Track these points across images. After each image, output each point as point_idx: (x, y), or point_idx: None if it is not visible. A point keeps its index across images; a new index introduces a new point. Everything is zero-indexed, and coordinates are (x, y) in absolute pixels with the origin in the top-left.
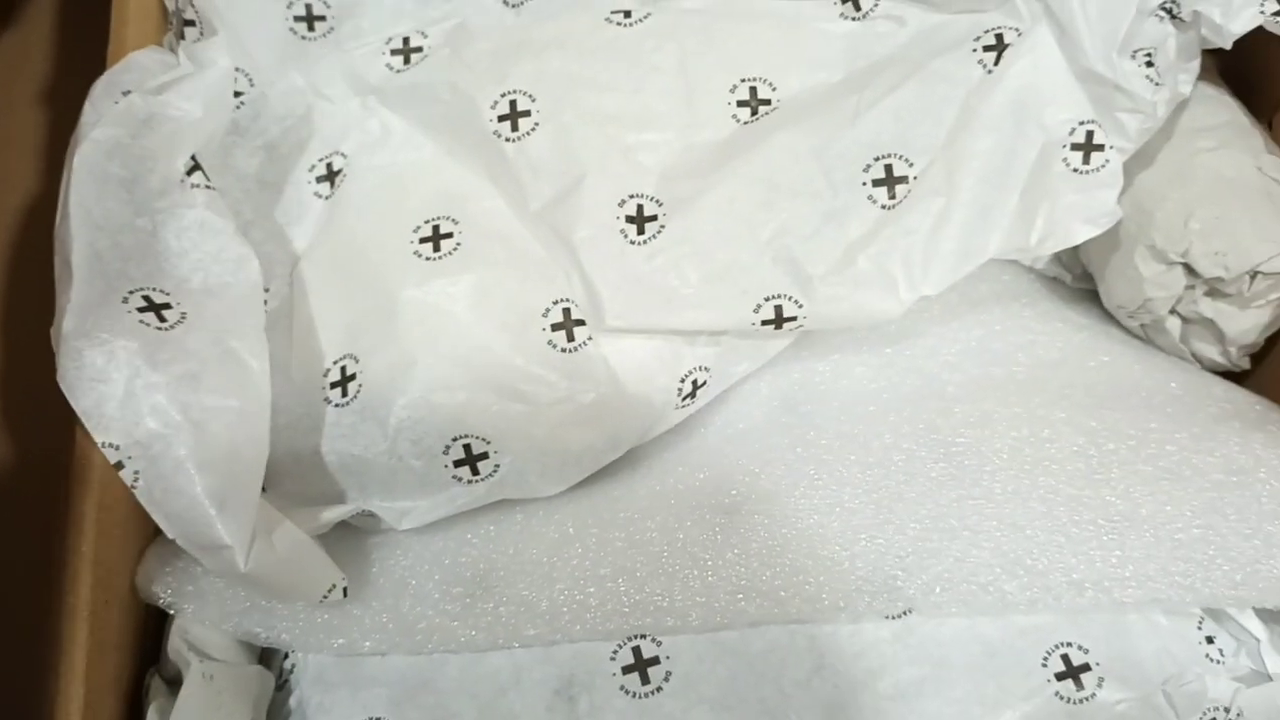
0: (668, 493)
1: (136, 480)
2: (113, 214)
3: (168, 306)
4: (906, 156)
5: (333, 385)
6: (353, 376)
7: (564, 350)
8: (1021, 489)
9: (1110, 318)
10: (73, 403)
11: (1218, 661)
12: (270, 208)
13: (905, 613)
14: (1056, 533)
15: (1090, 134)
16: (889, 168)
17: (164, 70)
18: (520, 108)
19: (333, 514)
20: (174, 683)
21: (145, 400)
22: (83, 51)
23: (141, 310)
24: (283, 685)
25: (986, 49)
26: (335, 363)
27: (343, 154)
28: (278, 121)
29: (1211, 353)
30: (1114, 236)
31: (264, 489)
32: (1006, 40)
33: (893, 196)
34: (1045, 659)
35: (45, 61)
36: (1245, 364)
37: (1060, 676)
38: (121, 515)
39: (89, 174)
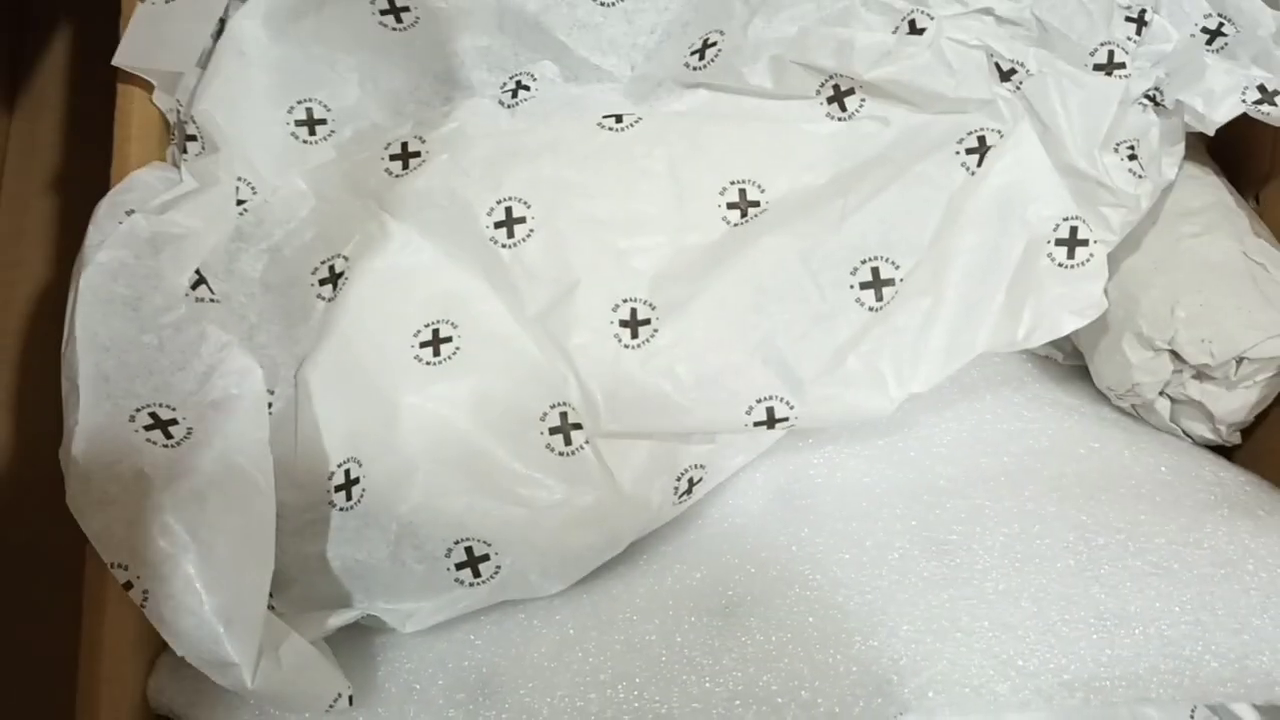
0: (665, 592)
1: (145, 599)
2: (118, 334)
3: (174, 423)
4: (892, 259)
5: (337, 489)
6: (356, 480)
7: (562, 454)
8: (1013, 588)
9: (1102, 397)
10: (82, 525)
11: None
12: (275, 311)
13: (899, 715)
14: (1047, 633)
15: (1074, 230)
16: (875, 271)
17: (166, 187)
18: (516, 214)
19: (338, 619)
20: None
21: (153, 520)
22: (89, 136)
23: (149, 428)
24: None
25: (969, 151)
26: (339, 466)
27: (344, 256)
28: (280, 225)
29: (1202, 430)
30: (1102, 321)
31: (270, 595)
32: (989, 142)
33: (880, 299)
34: None
35: (54, 150)
36: (1236, 439)
37: None
38: (134, 632)
39: (94, 296)
